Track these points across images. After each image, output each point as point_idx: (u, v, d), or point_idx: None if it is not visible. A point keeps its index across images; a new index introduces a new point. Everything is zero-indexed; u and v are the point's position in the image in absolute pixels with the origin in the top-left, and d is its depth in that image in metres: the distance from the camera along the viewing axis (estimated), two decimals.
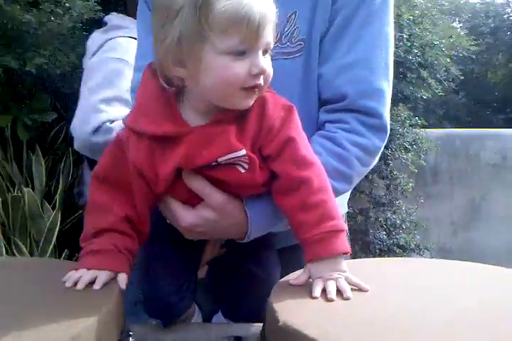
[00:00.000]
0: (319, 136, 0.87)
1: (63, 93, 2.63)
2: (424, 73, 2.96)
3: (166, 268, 0.83)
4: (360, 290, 0.69)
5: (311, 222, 0.72)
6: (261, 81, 0.71)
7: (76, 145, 1.42)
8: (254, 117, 0.73)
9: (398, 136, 2.86)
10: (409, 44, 3.03)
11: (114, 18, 1.68)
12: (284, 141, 0.74)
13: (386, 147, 3.10)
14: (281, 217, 0.79)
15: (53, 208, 2.44)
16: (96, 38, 1.63)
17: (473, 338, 0.55)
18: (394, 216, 2.83)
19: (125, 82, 1.30)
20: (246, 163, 0.73)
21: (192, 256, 0.86)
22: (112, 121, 1.33)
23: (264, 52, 0.72)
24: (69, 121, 2.74)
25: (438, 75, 3.09)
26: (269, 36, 0.71)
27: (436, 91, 3.14)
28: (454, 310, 0.62)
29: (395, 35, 3.59)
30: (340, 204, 1.05)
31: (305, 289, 0.69)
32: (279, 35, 0.86)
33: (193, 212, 0.77)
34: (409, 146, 3.00)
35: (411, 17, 3.32)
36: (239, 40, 0.68)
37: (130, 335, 0.67)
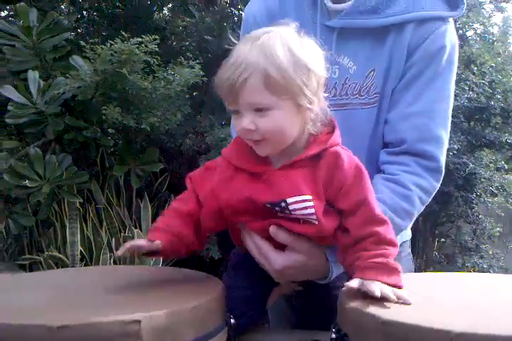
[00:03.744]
0: (383, 179, 0.96)
1: (168, 147, 3.01)
2: (508, 117, 2.98)
3: (239, 293, 0.90)
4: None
5: (372, 256, 0.76)
6: (249, 137, 0.79)
7: None
8: (325, 165, 0.80)
9: (483, 179, 2.87)
10: (491, 90, 3.10)
11: None
12: (358, 202, 0.80)
13: (470, 191, 3.10)
14: None
15: None
16: None
17: None
18: (481, 261, 2.78)
19: None
20: (315, 219, 0.80)
21: (263, 288, 0.95)
22: None
23: (256, 110, 0.76)
24: (172, 171, 3.06)
25: None
26: (248, 98, 0.76)
27: None
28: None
29: (477, 83, 3.62)
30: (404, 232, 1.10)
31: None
32: (358, 89, 0.99)
33: (284, 256, 0.86)
34: (496, 191, 2.98)
35: (493, 64, 3.40)
36: (227, 103, 0.79)
37: (231, 317, 0.84)
